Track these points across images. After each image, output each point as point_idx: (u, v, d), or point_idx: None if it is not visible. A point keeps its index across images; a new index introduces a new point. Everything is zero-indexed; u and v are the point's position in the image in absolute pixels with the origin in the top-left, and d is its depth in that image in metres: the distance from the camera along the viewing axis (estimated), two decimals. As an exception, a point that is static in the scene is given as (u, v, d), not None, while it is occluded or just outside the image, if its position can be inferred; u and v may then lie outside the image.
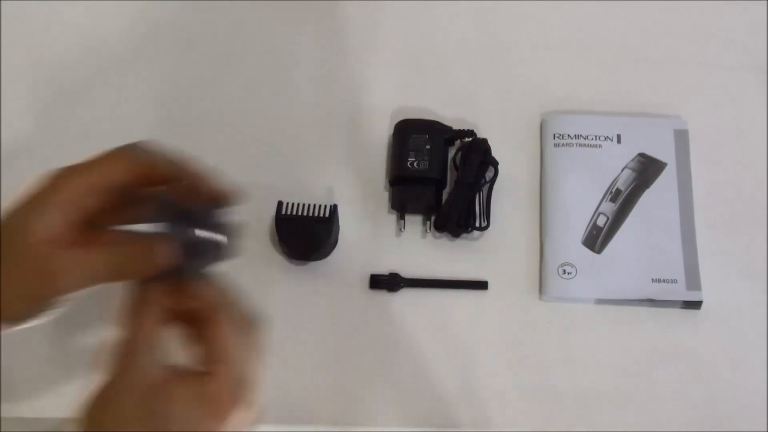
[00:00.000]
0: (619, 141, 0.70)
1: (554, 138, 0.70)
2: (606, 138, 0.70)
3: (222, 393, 0.43)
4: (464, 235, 0.67)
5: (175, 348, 0.47)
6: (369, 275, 0.66)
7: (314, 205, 0.66)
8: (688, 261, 0.66)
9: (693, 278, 0.65)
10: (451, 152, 0.70)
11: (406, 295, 0.65)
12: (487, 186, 0.68)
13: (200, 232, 0.46)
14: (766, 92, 0.73)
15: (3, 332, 0.45)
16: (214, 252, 0.47)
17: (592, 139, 0.70)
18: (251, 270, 0.66)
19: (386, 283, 0.65)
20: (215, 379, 0.43)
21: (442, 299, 0.65)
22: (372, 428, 0.61)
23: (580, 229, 0.67)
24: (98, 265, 0.44)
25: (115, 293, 0.66)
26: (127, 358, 0.43)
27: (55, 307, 0.45)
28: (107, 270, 0.45)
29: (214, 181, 0.47)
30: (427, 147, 0.68)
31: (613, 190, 0.68)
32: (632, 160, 0.69)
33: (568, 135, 0.70)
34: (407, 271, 0.66)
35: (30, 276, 0.44)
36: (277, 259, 0.67)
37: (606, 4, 0.77)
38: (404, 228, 0.68)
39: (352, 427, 0.61)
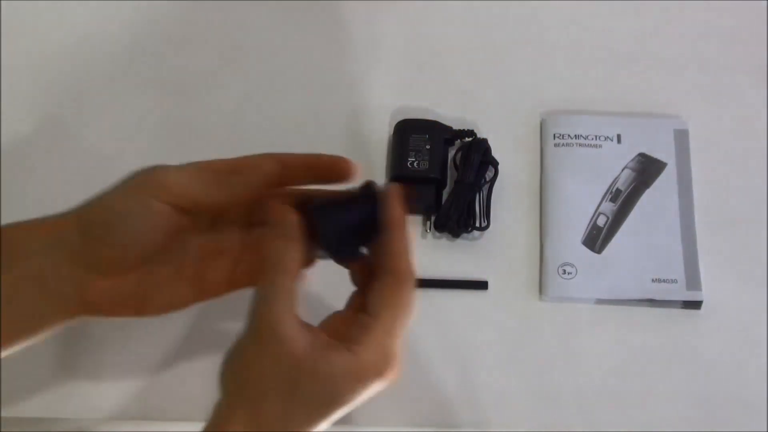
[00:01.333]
0: (619, 141, 0.70)
1: (554, 138, 0.70)
2: (606, 138, 0.70)
3: (368, 369, 0.44)
4: (464, 235, 0.67)
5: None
6: (369, 275, 0.66)
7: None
8: (688, 261, 0.66)
9: (693, 278, 0.65)
10: (451, 152, 0.70)
11: (406, 295, 0.65)
12: (487, 186, 0.68)
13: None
14: (766, 92, 0.73)
15: None
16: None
17: (592, 139, 0.70)
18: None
19: (386, 283, 0.65)
20: (363, 352, 0.43)
21: (442, 299, 0.65)
22: (372, 428, 0.61)
23: (580, 229, 0.67)
24: None
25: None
26: (270, 312, 0.44)
27: None
28: None
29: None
30: (427, 147, 0.68)
31: (613, 190, 0.68)
32: (632, 160, 0.69)
33: (568, 135, 0.70)
34: (407, 271, 0.66)
35: None
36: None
37: (606, 4, 0.77)
38: (404, 228, 0.68)
39: (352, 427, 0.61)
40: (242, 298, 0.65)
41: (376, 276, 0.46)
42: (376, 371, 0.44)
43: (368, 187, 0.49)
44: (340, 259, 0.50)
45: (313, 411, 0.43)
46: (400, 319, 0.45)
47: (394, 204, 0.47)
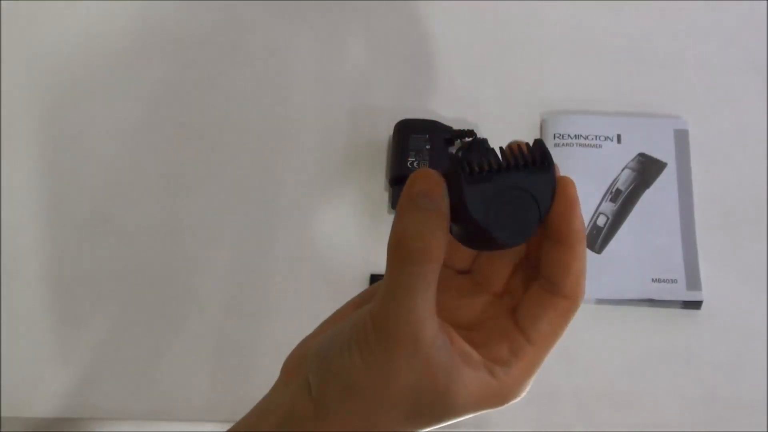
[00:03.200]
0: (619, 141, 0.70)
1: (554, 138, 0.70)
2: (606, 138, 0.70)
3: (503, 397, 0.35)
4: (464, 235, 0.67)
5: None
6: (369, 275, 0.66)
7: None
8: (688, 261, 0.66)
9: (693, 278, 0.65)
10: (451, 152, 0.70)
11: (406, 295, 0.65)
12: (487, 186, 0.68)
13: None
14: (766, 92, 0.73)
15: None
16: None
17: (592, 139, 0.70)
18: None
19: (386, 283, 0.65)
20: (507, 382, 0.35)
21: (442, 299, 0.65)
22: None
23: (580, 229, 0.67)
24: None
25: (117, 289, 0.66)
26: (410, 313, 0.33)
27: None
28: None
29: None
30: (427, 147, 0.68)
31: (613, 190, 0.68)
32: (632, 160, 0.69)
33: (568, 135, 0.70)
34: (407, 271, 0.66)
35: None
36: (277, 259, 0.67)
37: (606, 4, 0.77)
38: (404, 228, 0.67)
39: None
40: (240, 298, 0.66)
41: (541, 286, 0.36)
42: (507, 399, 0.36)
43: (540, 147, 0.35)
44: (492, 243, 0.34)
45: (424, 424, 0.35)
46: (553, 347, 0.37)
47: (575, 200, 0.35)
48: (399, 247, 0.34)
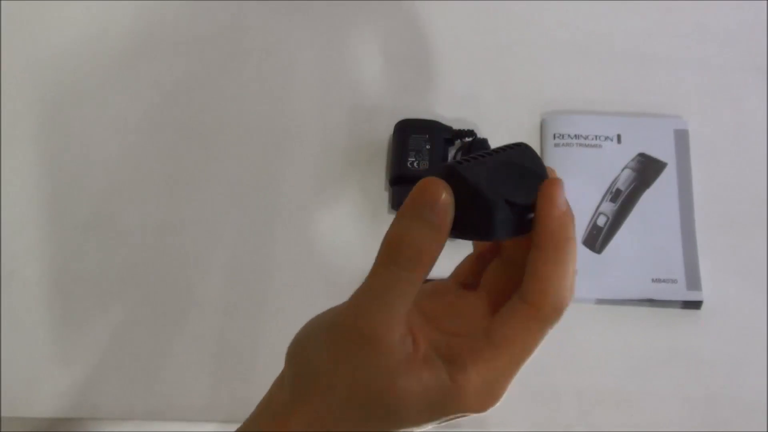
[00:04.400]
0: (619, 141, 0.70)
1: (554, 138, 0.70)
2: (606, 138, 0.70)
3: (465, 404, 0.34)
4: (464, 235, 0.67)
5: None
6: (369, 275, 0.66)
7: None
8: (688, 261, 0.66)
9: (693, 278, 0.65)
10: (451, 152, 0.70)
11: (406, 295, 0.65)
12: (487, 186, 0.68)
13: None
14: (766, 92, 0.73)
15: None
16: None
17: (592, 139, 0.70)
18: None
19: (386, 283, 0.65)
20: (467, 385, 0.34)
21: (442, 299, 0.65)
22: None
23: (580, 229, 0.67)
24: None
25: (119, 289, 0.66)
26: (383, 315, 0.34)
27: None
28: None
29: None
30: (427, 147, 0.68)
31: (613, 190, 0.68)
32: (632, 160, 0.69)
33: (568, 135, 0.70)
34: (407, 271, 0.66)
35: None
36: (277, 259, 0.67)
37: (606, 4, 0.77)
38: (404, 228, 0.67)
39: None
40: (240, 298, 0.66)
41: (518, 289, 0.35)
42: (472, 408, 0.34)
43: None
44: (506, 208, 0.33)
45: (383, 427, 0.34)
46: (524, 358, 0.35)
47: (555, 198, 0.34)
48: (391, 248, 0.34)
